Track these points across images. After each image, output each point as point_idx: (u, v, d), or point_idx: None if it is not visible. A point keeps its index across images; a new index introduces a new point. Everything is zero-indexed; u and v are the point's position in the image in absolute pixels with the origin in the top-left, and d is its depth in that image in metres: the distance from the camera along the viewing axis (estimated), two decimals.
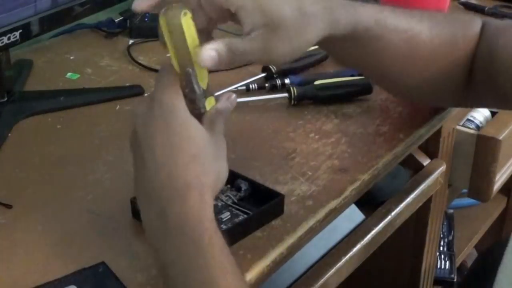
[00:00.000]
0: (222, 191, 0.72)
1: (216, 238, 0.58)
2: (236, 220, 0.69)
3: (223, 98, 0.64)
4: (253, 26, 0.62)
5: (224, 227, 0.68)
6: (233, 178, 0.73)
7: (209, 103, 0.63)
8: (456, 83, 0.81)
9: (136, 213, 0.69)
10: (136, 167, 0.61)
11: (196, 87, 0.62)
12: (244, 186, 0.73)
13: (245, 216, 0.70)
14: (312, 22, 0.65)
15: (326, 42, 0.69)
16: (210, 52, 0.61)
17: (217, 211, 0.69)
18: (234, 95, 0.64)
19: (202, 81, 0.63)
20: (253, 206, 0.71)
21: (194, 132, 0.60)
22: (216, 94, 0.66)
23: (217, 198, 0.71)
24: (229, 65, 0.64)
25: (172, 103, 0.60)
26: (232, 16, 0.64)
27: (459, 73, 0.80)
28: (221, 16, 0.65)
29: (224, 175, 0.62)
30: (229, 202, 0.71)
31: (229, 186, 0.73)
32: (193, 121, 0.60)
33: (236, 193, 0.73)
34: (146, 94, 0.97)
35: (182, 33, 0.60)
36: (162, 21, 0.60)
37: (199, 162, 0.59)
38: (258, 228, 0.70)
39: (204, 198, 0.59)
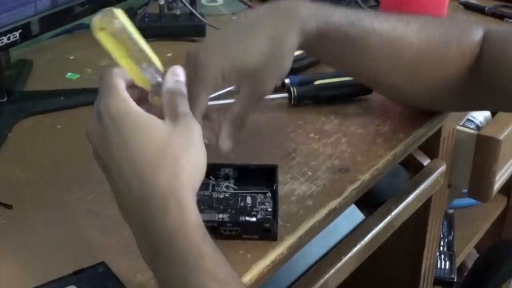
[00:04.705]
0: (218, 185, 0.72)
1: (205, 247, 0.54)
2: (259, 200, 0.70)
3: (168, 76, 0.61)
4: (237, 84, 0.71)
5: (260, 209, 0.69)
6: (215, 169, 0.73)
7: None
8: (456, 89, 0.80)
9: None
10: (111, 187, 0.58)
11: (160, 78, 0.61)
12: (230, 172, 0.74)
13: (264, 195, 0.71)
14: (280, 45, 0.71)
15: (305, 47, 0.74)
16: (228, 143, 0.69)
17: (235, 200, 0.70)
18: (175, 66, 0.62)
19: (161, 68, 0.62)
20: (253, 186, 0.72)
21: (150, 131, 0.56)
22: (211, 101, 0.68)
23: (219, 192, 0.71)
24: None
25: (119, 108, 0.56)
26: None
27: (457, 79, 0.79)
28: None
29: (202, 159, 0.57)
30: (233, 191, 0.72)
31: (219, 178, 0.73)
32: (147, 119, 0.56)
33: (229, 180, 0.73)
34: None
35: (127, 32, 0.59)
36: (100, 32, 0.59)
37: (166, 163, 0.55)
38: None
39: (183, 204, 0.54)
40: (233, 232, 0.67)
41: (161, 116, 0.58)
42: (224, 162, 0.74)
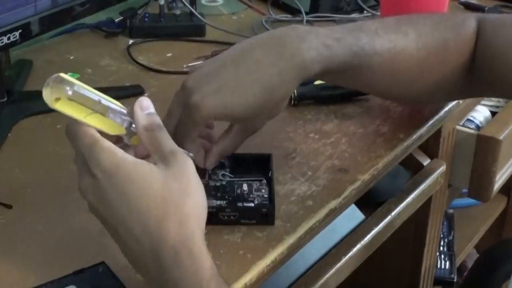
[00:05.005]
0: (214, 173, 0.73)
1: None
2: (255, 187, 0.71)
3: (138, 113, 0.58)
4: (229, 122, 0.72)
5: (257, 196, 0.70)
6: None
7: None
8: (454, 84, 0.81)
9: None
10: (116, 240, 0.57)
11: (129, 118, 0.58)
12: (225, 161, 0.75)
13: (260, 182, 0.72)
14: (277, 95, 0.69)
15: (305, 79, 0.72)
16: (213, 165, 0.72)
17: (232, 187, 0.71)
18: (141, 99, 0.59)
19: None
20: (248, 174, 0.73)
21: (146, 180, 0.54)
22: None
23: (216, 180, 0.72)
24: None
25: (110, 161, 0.54)
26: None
27: (456, 75, 0.80)
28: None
29: (202, 197, 0.56)
30: (229, 179, 0.73)
31: (215, 167, 0.74)
32: (139, 167, 0.55)
33: (225, 169, 0.74)
34: (146, 96, 0.97)
35: (81, 90, 0.55)
36: (58, 103, 0.56)
37: (170, 213, 0.53)
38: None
39: (194, 253, 0.54)
40: (232, 217, 0.69)
41: (144, 155, 0.58)
42: None
